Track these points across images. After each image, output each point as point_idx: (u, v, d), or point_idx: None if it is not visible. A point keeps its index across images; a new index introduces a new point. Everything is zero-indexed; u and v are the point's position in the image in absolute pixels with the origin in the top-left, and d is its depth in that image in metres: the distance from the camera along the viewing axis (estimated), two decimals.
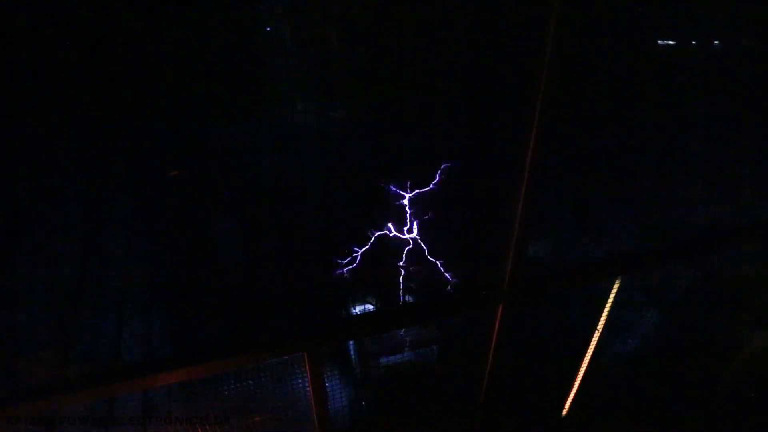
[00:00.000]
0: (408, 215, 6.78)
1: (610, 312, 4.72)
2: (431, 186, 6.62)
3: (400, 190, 6.57)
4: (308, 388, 2.82)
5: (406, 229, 6.85)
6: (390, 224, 6.82)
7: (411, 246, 6.95)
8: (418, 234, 6.93)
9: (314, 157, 7.69)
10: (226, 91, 6.85)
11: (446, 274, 7.44)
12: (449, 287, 7.29)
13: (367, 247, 6.60)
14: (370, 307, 7.25)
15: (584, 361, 5.31)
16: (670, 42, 8.52)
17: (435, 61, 7.64)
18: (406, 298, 7.34)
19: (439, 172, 6.59)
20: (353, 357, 7.30)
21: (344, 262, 6.83)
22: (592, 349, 5.16)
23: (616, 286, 4.41)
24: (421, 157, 7.23)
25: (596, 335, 4.99)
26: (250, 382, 6.34)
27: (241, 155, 7.57)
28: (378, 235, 6.82)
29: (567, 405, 5.93)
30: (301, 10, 7.89)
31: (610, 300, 4.59)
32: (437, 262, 7.65)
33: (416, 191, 6.61)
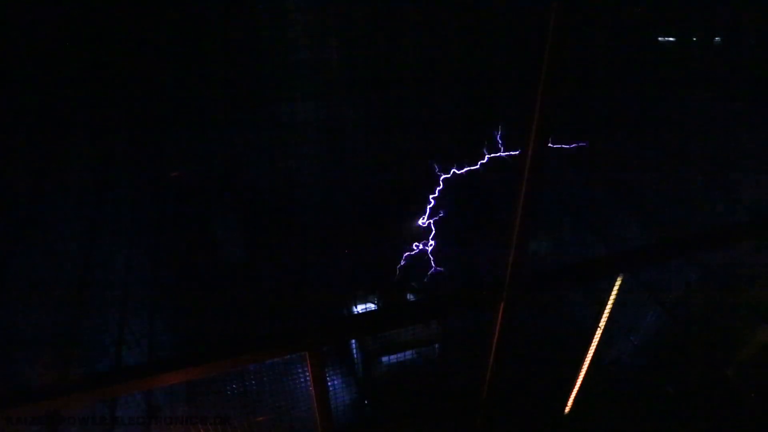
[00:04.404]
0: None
1: (611, 310, 4.71)
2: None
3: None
4: (310, 388, 2.81)
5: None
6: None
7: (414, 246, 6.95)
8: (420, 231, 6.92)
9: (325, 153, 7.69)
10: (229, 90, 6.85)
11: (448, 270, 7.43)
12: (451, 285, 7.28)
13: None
14: (372, 306, 7.24)
15: (586, 359, 5.31)
16: (670, 38, 8.50)
17: (436, 61, 7.63)
18: (408, 296, 7.33)
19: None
20: (355, 356, 7.29)
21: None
22: (594, 347, 5.15)
23: (618, 283, 4.40)
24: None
25: (598, 333, 4.97)
26: (252, 381, 6.35)
27: (245, 154, 7.56)
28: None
29: (569, 403, 5.92)
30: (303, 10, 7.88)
31: (612, 297, 4.58)
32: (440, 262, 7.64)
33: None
